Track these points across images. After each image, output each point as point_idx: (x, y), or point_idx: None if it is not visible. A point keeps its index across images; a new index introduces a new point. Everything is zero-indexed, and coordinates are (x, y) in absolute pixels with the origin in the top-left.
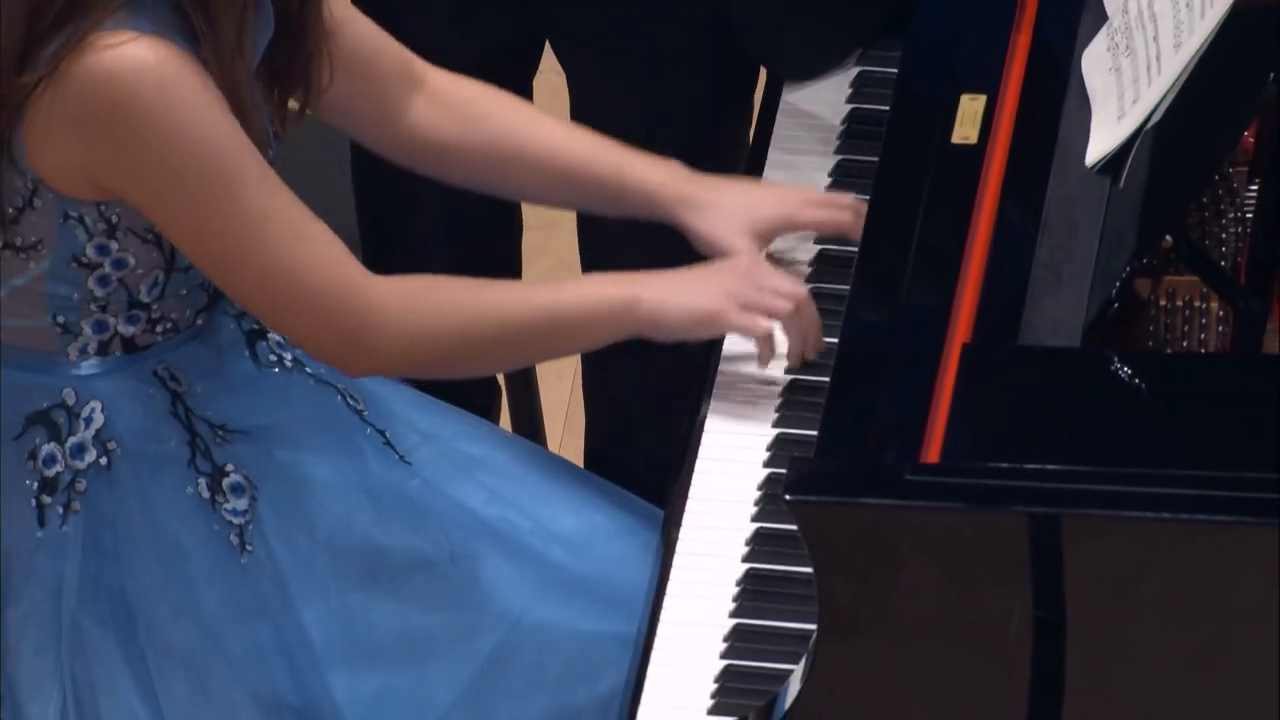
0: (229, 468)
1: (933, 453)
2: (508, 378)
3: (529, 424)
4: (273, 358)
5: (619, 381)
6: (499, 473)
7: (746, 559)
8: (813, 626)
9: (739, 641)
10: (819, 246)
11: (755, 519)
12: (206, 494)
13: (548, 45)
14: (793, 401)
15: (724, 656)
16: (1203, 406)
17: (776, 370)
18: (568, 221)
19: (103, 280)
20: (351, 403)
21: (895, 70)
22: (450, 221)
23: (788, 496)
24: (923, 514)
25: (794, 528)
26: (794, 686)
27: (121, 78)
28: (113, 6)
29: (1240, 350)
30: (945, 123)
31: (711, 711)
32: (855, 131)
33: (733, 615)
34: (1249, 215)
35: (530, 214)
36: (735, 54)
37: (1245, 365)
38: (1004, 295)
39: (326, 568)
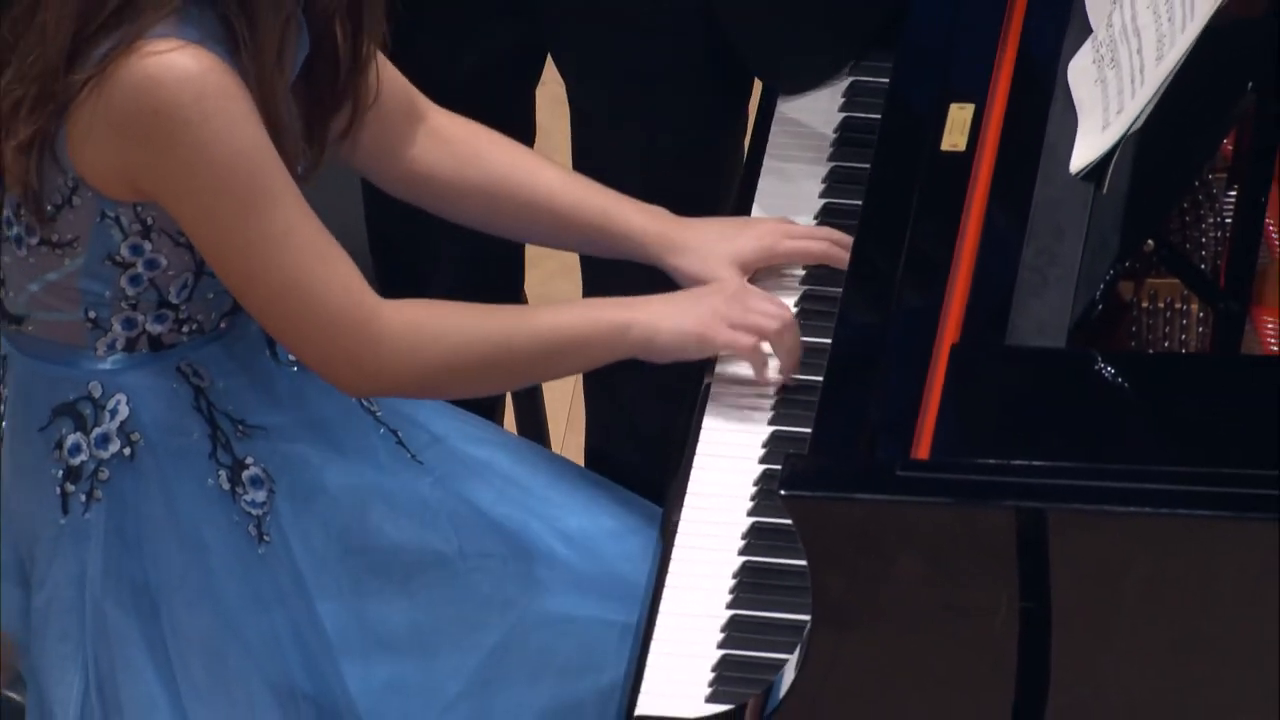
0: (248, 461)
1: (923, 450)
2: None
3: (533, 422)
4: (291, 358)
5: (620, 383)
6: (506, 474)
7: (743, 552)
8: (807, 617)
9: (736, 632)
10: (805, 288)
11: (751, 514)
12: (227, 486)
13: (549, 55)
14: (787, 400)
15: (721, 646)
16: (1184, 405)
17: (770, 372)
18: None
19: (134, 279)
20: (366, 404)
21: (887, 80)
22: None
23: (783, 492)
24: (913, 509)
25: (789, 522)
26: (789, 675)
27: (164, 84)
28: (162, 13)
29: (1220, 350)
30: (935, 131)
31: (709, 700)
32: (848, 139)
33: (730, 607)
34: (1228, 220)
35: None
36: (731, 65)
37: (1224, 365)
38: (992, 297)
39: (340, 561)
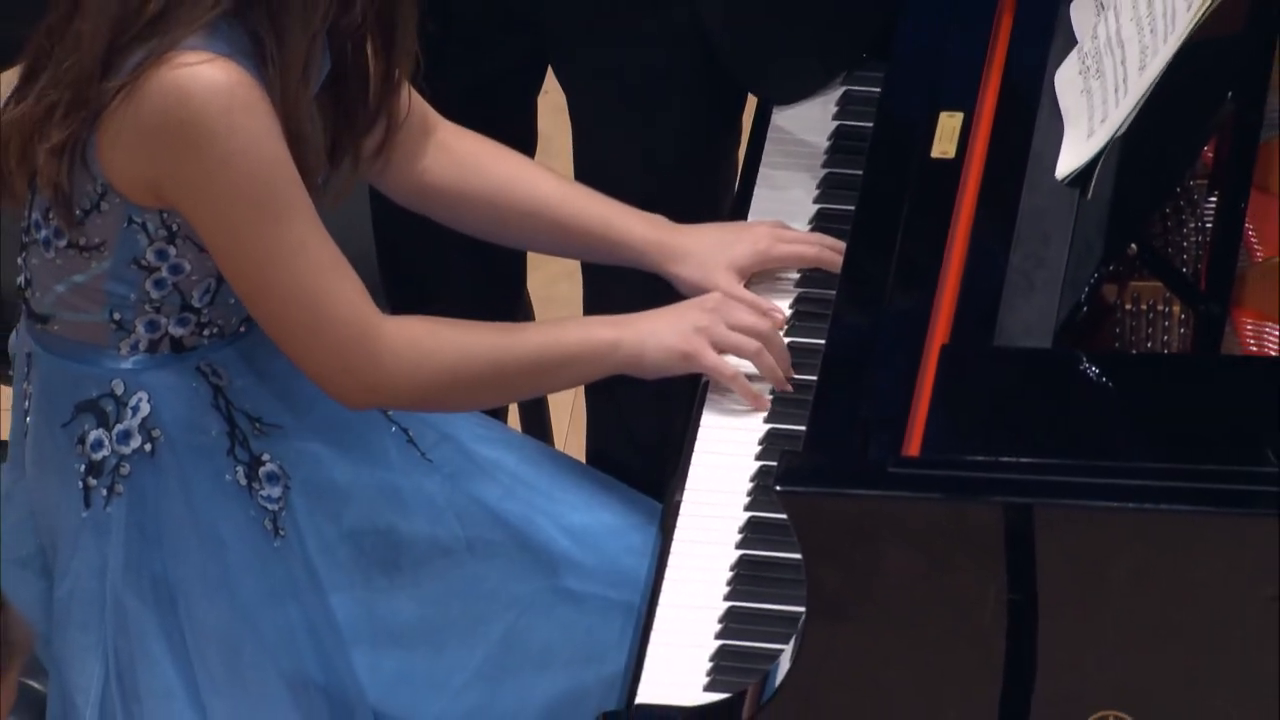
0: (265, 457)
1: (914, 447)
2: None
3: (537, 421)
4: None
5: (620, 388)
6: (513, 471)
7: (740, 546)
8: (802, 609)
9: (733, 623)
10: (800, 291)
11: (748, 508)
12: (244, 481)
13: (550, 66)
14: (783, 399)
15: (719, 637)
16: (1166, 404)
17: (759, 388)
18: None
19: (159, 283)
20: None
21: (878, 90)
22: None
23: (778, 488)
24: (904, 504)
25: (784, 517)
26: (784, 665)
27: (193, 96)
28: (194, 26)
29: (1200, 351)
30: (925, 138)
31: (707, 688)
32: (841, 147)
33: (727, 598)
34: (1208, 225)
35: None
36: (725, 77)
37: (1205, 365)
38: (980, 299)
39: (351, 555)
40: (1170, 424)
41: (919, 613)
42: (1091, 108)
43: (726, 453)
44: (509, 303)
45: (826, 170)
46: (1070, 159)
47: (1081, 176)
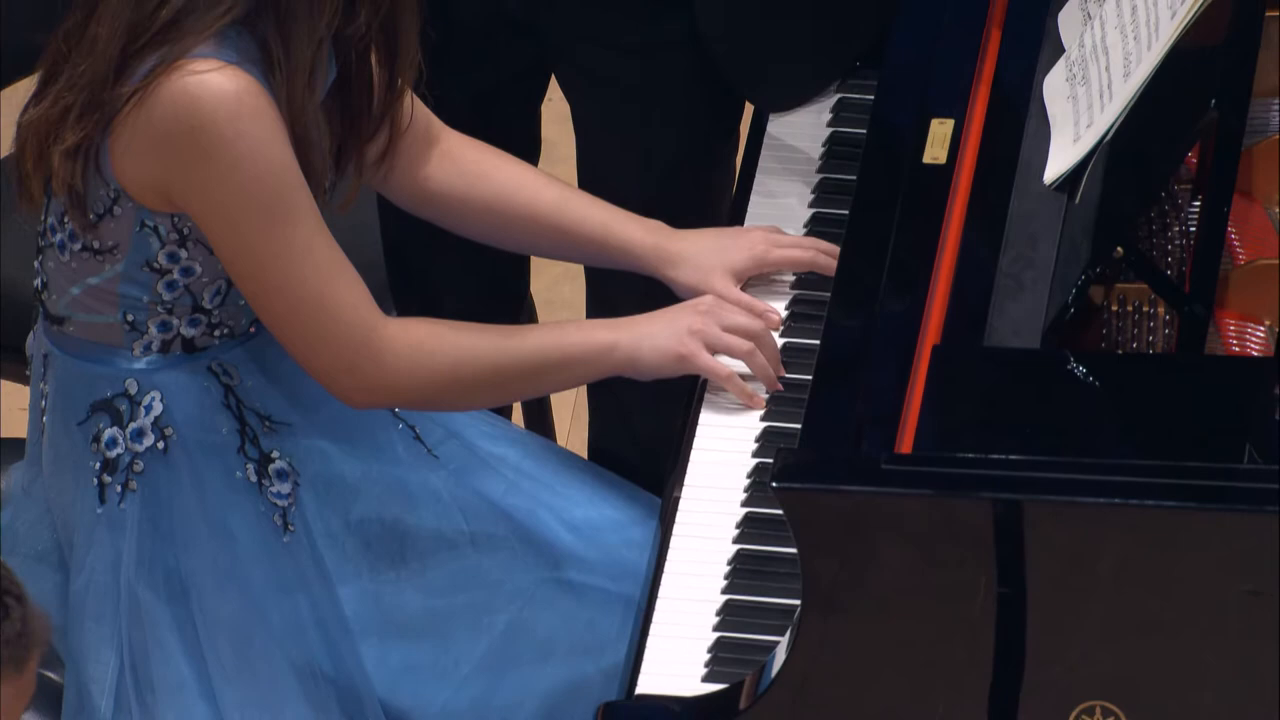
0: (274, 455)
1: (906, 444)
2: None
3: (539, 418)
4: None
5: (621, 381)
6: (517, 467)
7: (737, 540)
8: (797, 602)
9: (730, 616)
10: (795, 292)
11: (745, 504)
12: (254, 478)
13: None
14: (779, 398)
15: (717, 629)
16: (1150, 402)
17: (754, 387)
18: None
19: (170, 285)
20: None
21: (872, 97)
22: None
23: (774, 484)
24: (897, 499)
25: (780, 512)
26: (780, 656)
27: (202, 102)
28: (205, 34)
29: (1184, 351)
30: (917, 144)
31: (705, 679)
32: (835, 153)
33: (725, 592)
34: (1192, 229)
35: None
36: (722, 86)
37: (1189, 365)
38: (971, 301)
39: (359, 549)
40: (1155, 422)
41: (911, 605)
42: (1078, 114)
43: (724, 450)
44: (512, 305)
45: (821, 175)
46: (1058, 164)
47: (1069, 181)
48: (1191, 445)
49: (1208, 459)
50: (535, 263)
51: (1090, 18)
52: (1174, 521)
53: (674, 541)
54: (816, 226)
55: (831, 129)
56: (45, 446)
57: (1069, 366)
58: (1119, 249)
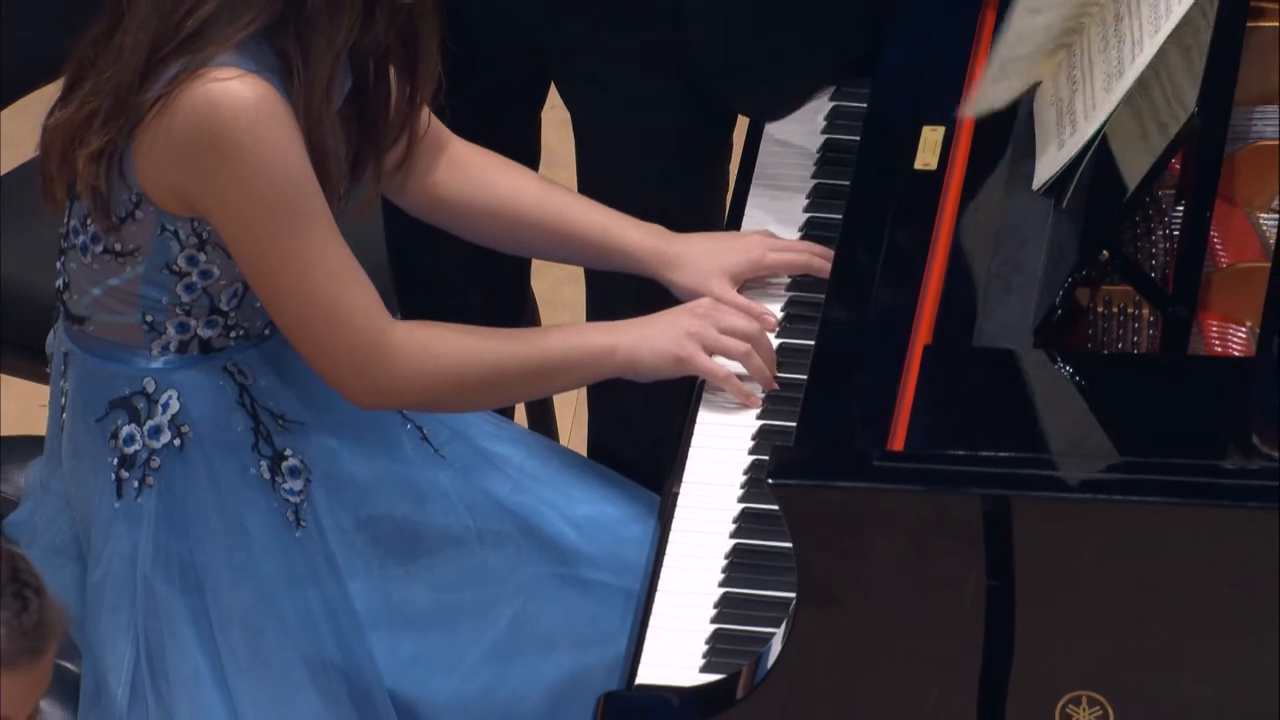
0: (287, 453)
1: (898, 442)
2: None
3: (541, 417)
4: None
5: (620, 382)
6: (521, 466)
7: (734, 535)
8: (793, 595)
9: (728, 608)
10: (790, 294)
11: (742, 500)
12: (267, 475)
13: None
14: (774, 397)
15: (714, 621)
16: (1135, 401)
17: (751, 386)
18: None
19: (189, 287)
20: None
21: (865, 105)
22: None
23: (770, 480)
24: (889, 496)
25: (776, 508)
26: (776, 647)
27: (222, 109)
28: (227, 44)
29: (1168, 352)
30: (909, 151)
31: (703, 669)
32: (830, 159)
33: (722, 585)
34: (1176, 233)
35: None
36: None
37: (1172, 365)
38: (961, 302)
39: (369, 545)
40: (1139, 421)
41: (902, 598)
42: (1061, 124)
43: (721, 448)
44: (513, 305)
45: (816, 181)
46: (1045, 169)
47: (1056, 186)
48: (1175, 443)
49: (1190, 456)
50: (537, 265)
51: (1078, 30)
52: (1157, 517)
53: (673, 536)
54: (811, 230)
55: (826, 136)
56: (64, 442)
57: (1056, 366)
58: (1104, 252)
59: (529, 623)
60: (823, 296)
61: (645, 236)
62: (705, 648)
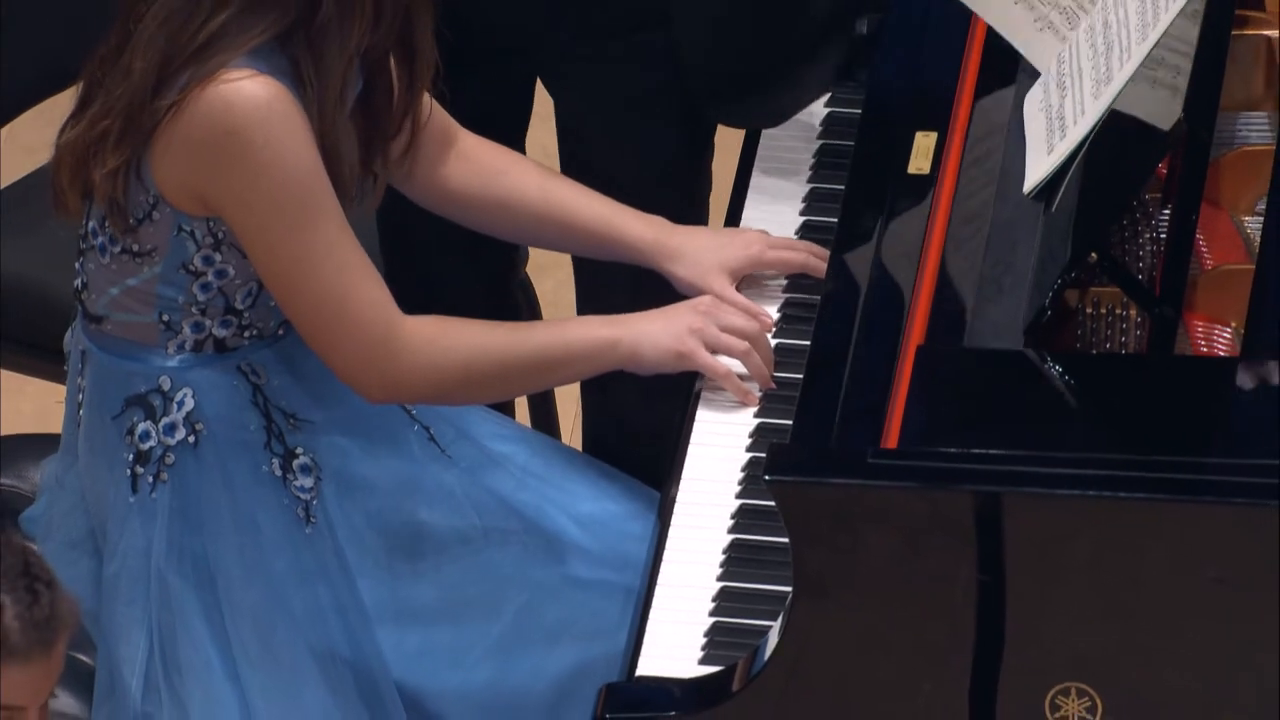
0: (299, 451)
1: (891, 439)
2: None
3: (544, 415)
4: None
5: (612, 378)
6: (525, 465)
7: (732, 531)
8: (789, 589)
9: (725, 601)
10: (787, 295)
11: (739, 496)
12: (279, 472)
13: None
14: (771, 395)
15: (713, 614)
16: (1122, 400)
17: (749, 385)
18: None
19: (205, 287)
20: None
21: (859, 111)
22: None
23: (767, 477)
24: (883, 492)
25: (773, 503)
26: (773, 639)
27: (235, 108)
28: (238, 52)
29: (1155, 352)
30: (902, 156)
31: (702, 661)
32: (825, 164)
33: (720, 579)
34: (1163, 235)
35: None
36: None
37: (1159, 365)
38: (953, 303)
39: (377, 541)
40: (1127, 419)
41: (896, 591)
42: (1051, 129)
43: (719, 445)
44: (499, 300)
45: (811, 185)
46: (1035, 174)
47: (1046, 190)
48: (1161, 440)
49: (1176, 454)
50: (540, 267)
51: (1065, 38)
52: (1145, 512)
53: (672, 532)
54: (808, 233)
55: (821, 141)
56: (81, 438)
57: (1046, 366)
58: (1093, 255)
59: (533, 617)
60: (818, 297)
61: (646, 228)
62: (704, 640)
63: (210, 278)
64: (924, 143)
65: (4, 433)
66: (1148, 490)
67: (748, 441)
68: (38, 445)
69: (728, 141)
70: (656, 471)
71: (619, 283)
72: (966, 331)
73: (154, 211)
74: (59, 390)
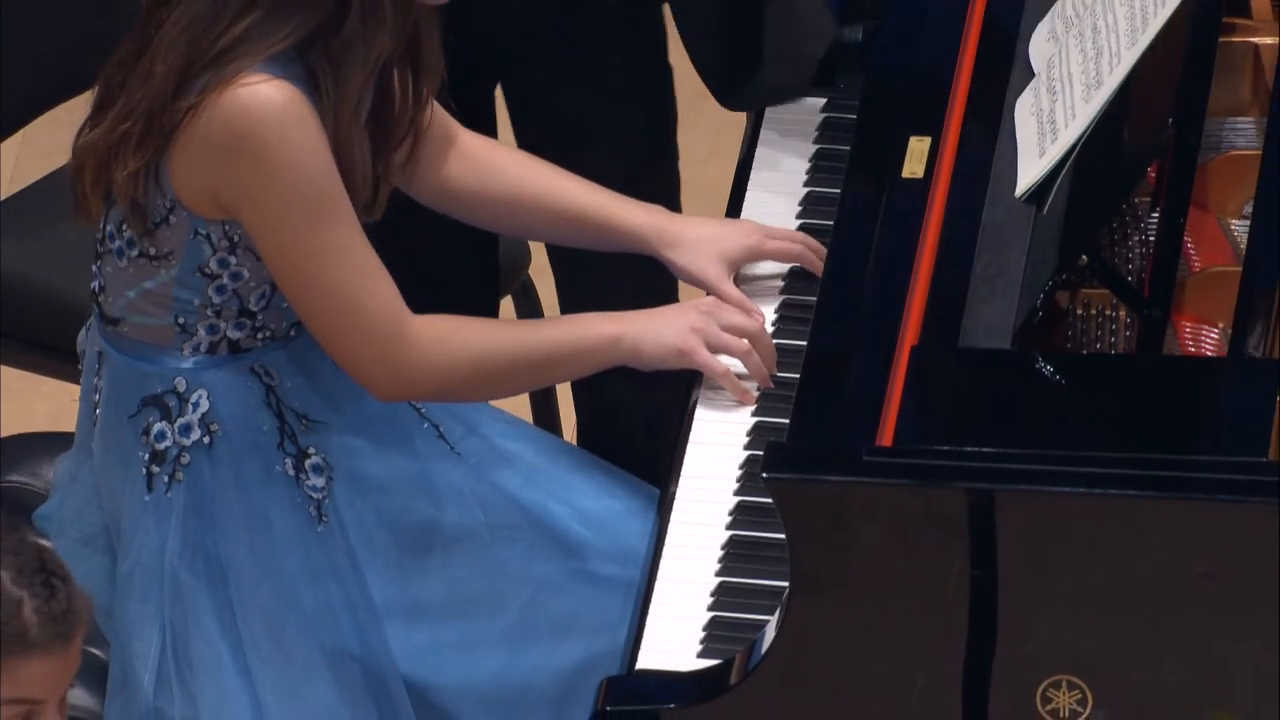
0: (311, 451)
1: (886, 438)
2: None
3: (546, 413)
4: None
5: (613, 383)
6: (531, 463)
7: (730, 527)
8: (786, 584)
9: (724, 597)
10: (784, 296)
11: (737, 493)
12: (291, 472)
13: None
14: (768, 394)
15: (711, 609)
16: (1113, 399)
17: (747, 385)
18: None
19: (220, 289)
20: (411, 402)
21: (854, 116)
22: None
23: (765, 474)
24: (878, 489)
25: (770, 500)
26: (770, 634)
27: (252, 111)
28: (257, 58)
29: (1144, 352)
30: (896, 160)
31: (700, 655)
32: (821, 167)
33: (718, 574)
34: (1152, 238)
35: None
36: (655, 107)
37: (1148, 365)
38: (946, 304)
39: (387, 539)
40: (1117, 417)
41: (890, 587)
42: (1042, 133)
43: (718, 443)
44: (483, 262)
45: (808, 189)
46: (1027, 177)
47: (1038, 194)
48: (1151, 439)
49: (1166, 452)
50: (540, 268)
51: (1058, 43)
52: (1134, 509)
53: (671, 528)
54: None
55: (817, 145)
56: (96, 437)
57: (1037, 366)
58: (1084, 257)
59: (539, 612)
60: (814, 298)
61: (646, 215)
62: (703, 634)
63: (225, 280)
64: (918, 147)
65: (19, 431)
66: (1138, 487)
67: (746, 440)
68: (52, 443)
69: (727, 145)
70: (656, 469)
71: (597, 275)
72: (960, 332)
73: (171, 215)
74: (74, 390)
